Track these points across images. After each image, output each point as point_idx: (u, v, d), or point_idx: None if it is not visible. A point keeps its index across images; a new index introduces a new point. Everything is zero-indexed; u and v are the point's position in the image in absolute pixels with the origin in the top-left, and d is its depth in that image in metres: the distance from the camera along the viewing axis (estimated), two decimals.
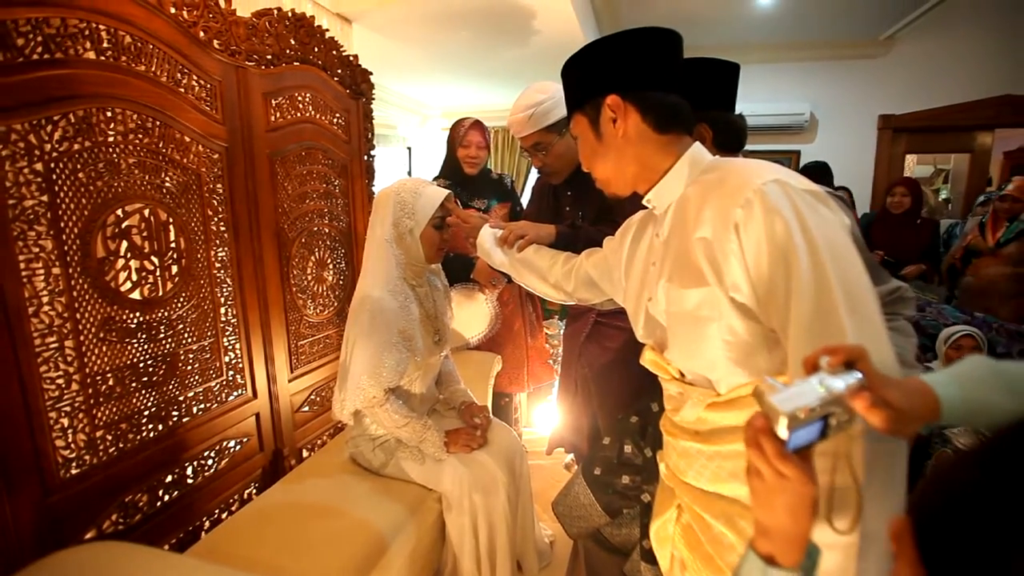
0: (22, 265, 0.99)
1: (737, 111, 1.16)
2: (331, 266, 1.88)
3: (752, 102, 4.21)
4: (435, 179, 2.21)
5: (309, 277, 1.78)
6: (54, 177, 1.03)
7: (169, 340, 1.30)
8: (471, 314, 2.20)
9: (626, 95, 0.80)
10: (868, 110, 4.32)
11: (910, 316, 0.99)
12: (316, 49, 1.76)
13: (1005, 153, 5.55)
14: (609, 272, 1.04)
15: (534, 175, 5.47)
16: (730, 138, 1.09)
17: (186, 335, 1.34)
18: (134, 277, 1.21)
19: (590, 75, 0.84)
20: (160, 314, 1.27)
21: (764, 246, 0.66)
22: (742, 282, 0.69)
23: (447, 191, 1.46)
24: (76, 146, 1.08)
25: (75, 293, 1.08)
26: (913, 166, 4.77)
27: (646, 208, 0.90)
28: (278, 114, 1.62)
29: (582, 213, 1.56)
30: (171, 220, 1.30)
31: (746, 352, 0.72)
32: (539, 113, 1.43)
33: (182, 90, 1.31)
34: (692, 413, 0.81)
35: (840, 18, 3.81)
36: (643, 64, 0.81)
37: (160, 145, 1.26)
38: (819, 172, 3.28)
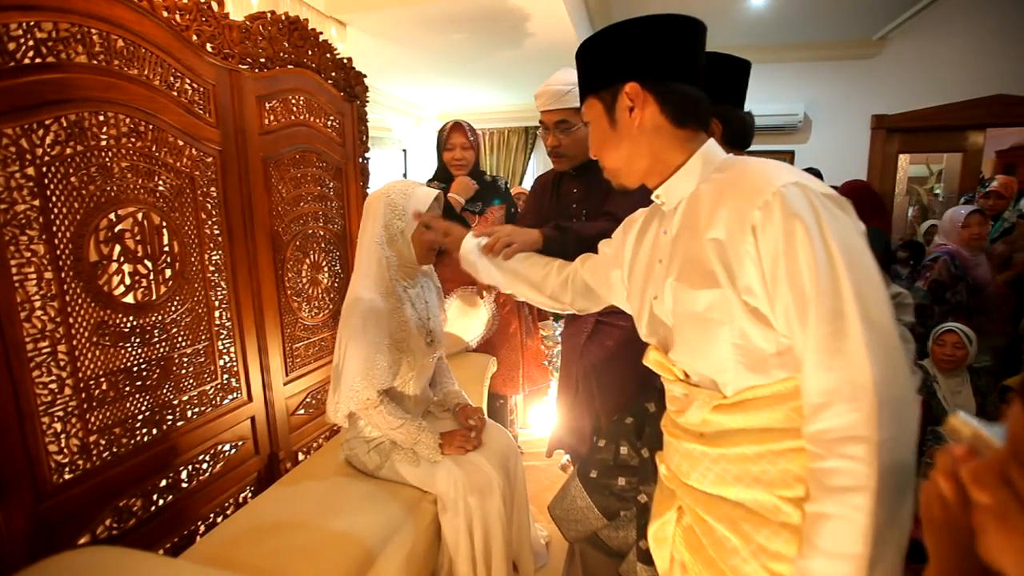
0: (14, 270, 0.98)
1: (748, 109, 1.16)
2: (326, 268, 1.88)
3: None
4: (428, 183, 2.21)
5: (304, 280, 1.77)
6: (46, 181, 1.03)
7: (163, 344, 1.30)
8: (470, 317, 2.21)
9: (646, 84, 0.78)
10: (861, 110, 4.34)
11: (908, 322, 1.00)
12: (310, 52, 1.76)
13: (997, 152, 5.59)
14: (607, 275, 1.02)
15: (529, 177, 5.48)
16: (739, 135, 1.09)
17: (180, 339, 1.34)
18: (127, 281, 1.21)
19: (610, 59, 0.81)
20: (154, 318, 1.27)
21: (782, 250, 0.65)
22: (756, 285, 0.67)
23: (437, 191, 1.47)
24: (68, 150, 1.07)
25: (68, 297, 1.08)
26: (906, 166, 4.79)
27: (643, 204, 0.89)
28: (272, 117, 1.62)
29: (586, 212, 1.52)
30: (164, 224, 1.29)
31: (756, 356, 0.71)
32: (577, 92, 1.40)
33: (175, 93, 1.31)
34: (697, 415, 0.79)
35: (833, 19, 3.84)
36: (666, 53, 0.78)
37: (153, 149, 1.26)
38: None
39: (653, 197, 0.85)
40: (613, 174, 0.87)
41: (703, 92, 0.80)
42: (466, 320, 2.19)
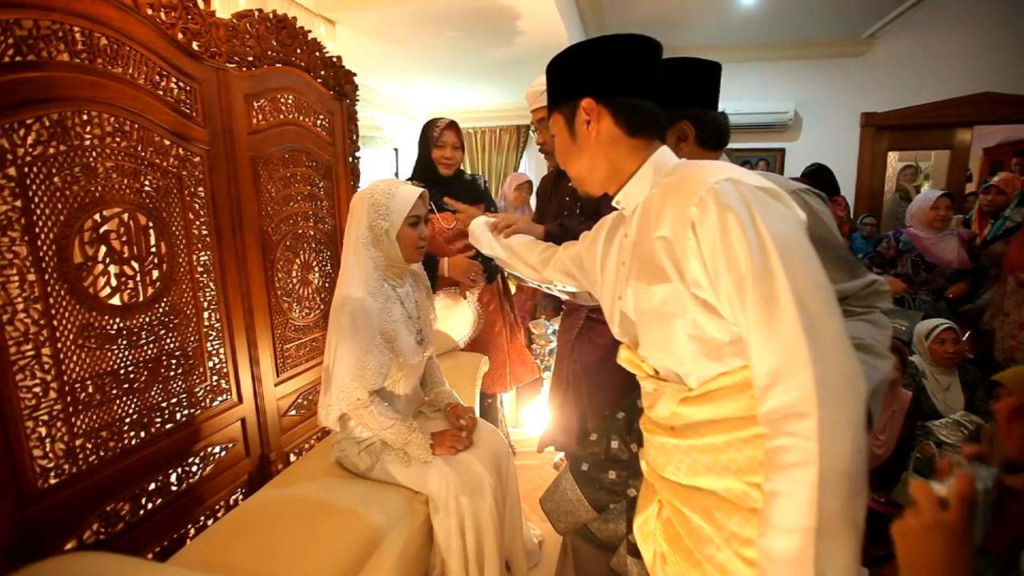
0: None
1: (721, 110, 1.16)
2: (316, 268, 1.87)
3: (737, 100, 4.25)
4: (408, 180, 2.20)
5: (294, 280, 1.76)
6: (28, 182, 1.02)
7: (151, 346, 1.28)
8: (456, 317, 2.20)
9: (600, 99, 0.84)
10: (851, 108, 4.38)
11: (885, 308, 1.02)
12: (298, 50, 1.75)
13: (984, 149, 5.66)
14: (582, 267, 1.09)
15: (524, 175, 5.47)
16: (712, 136, 1.10)
17: (168, 340, 1.33)
18: (113, 282, 1.19)
19: (568, 77, 0.88)
20: (141, 319, 1.25)
21: (719, 241, 0.69)
22: (702, 278, 0.72)
23: (421, 189, 1.46)
24: (51, 150, 1.06)
25: (51, 300, 1.06)
26: (895, 163, 4.84)
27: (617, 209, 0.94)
28: (260, 116, 1.60)
29: (580, 205, 1.60)
30: (151, 224, 1.28)
31: (711, 345, 0.74)
32: None
33: (161, 92, 1.30)
34: (666, 408, 0.83)
35: (822, 17, 3.86)
36: (618, 70, 0.84)
37: (139, 148, 1.24)
38: (821, 175, 3.21)
39: (614, 203, 0.91)
40: (578, 182, 0.94)
41: (655, 104, 0.86)
42: (452, 320, 2.19)
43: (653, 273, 0.78)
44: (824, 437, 0.61)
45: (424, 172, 2.15)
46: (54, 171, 1.06)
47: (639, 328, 0.84)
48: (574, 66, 0.87)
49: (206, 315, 1.44)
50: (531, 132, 5.17)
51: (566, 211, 1.67)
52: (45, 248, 1.05)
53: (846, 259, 1.01)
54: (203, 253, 1.43)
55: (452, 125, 2.11)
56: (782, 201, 0.73)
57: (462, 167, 2.26)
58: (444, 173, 2.13)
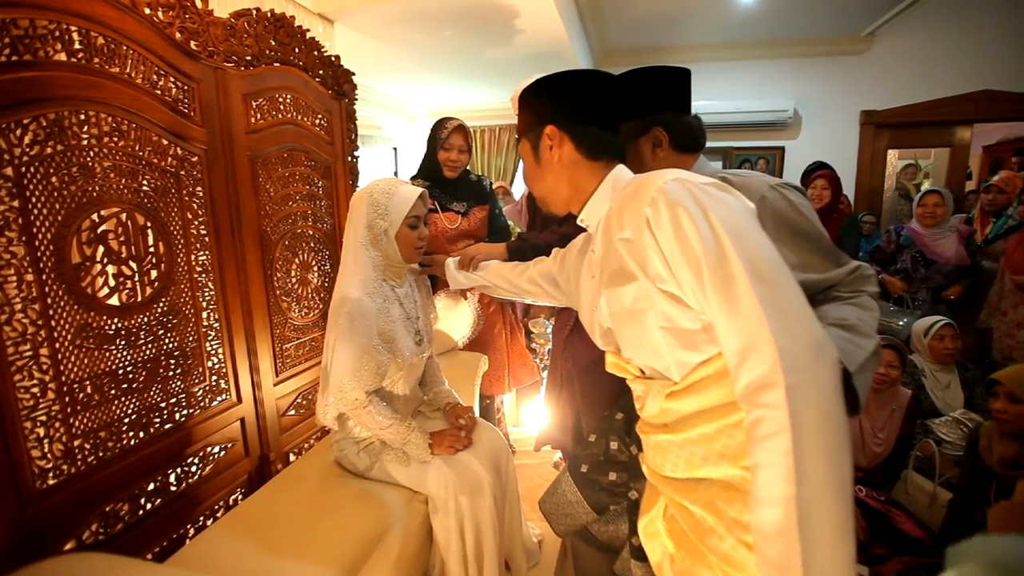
0: None
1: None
2: (315, 268, 1.87)
3: (736, 99, 4.24)
4: (413, 179, 2.20)
5: (293, 280, 1.76)
6: (25, 182, 1.01)
7: (149, 346, 1.28)
8: (456, 317, 2.20)
9: (562, 126, 0.92)
10: (850, 106, 4.38)
11: (872, 292, 1.03)
12: (297, 50, 1.74)
13: (984, 147, 5.65)
14: (555, 283, 1.18)
15: (521, 174, 5.46)
16: (686, 139, 1.13)
17: (167, 340, 1.32)
18: (111, 283, 1.19)
19: (534, 107, 0.97)
20: (139, 320, 1.25)
21: (672, 235, 0.73)
22: (663, 271, 0.76)
23: (421, 189, 1.45)
24: (48, 150, 1.05)
25: (49, 300, 1.06)
26: (895, 161, 4.83)
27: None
28: (259, 116, 1.60)
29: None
30: (149, 224, 1.28)
31: (684, 335, 0.77)
32: None
33: (158, 92, 1.29)
34: (655, 406, 0.85)
35: (822, 15, 3.86)
36: (578, 101, 0.92)
37: (136, 148, 1.24)
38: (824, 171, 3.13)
39: (578, 222, 0.97)
40: (542, 202, 1.01)
41: (612, 132, 0.94)
42: (452, 319, 2.19)
43: (621, 276, 0.83)
44: (793, 403, 0.63)
45: (430, 172, 2.15)
46: (51, 171, 1.06)
47: (616, 331, 0.88)
48: (539, 97, 0.95)
49: (205, 315, 1.43)
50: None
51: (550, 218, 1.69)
52: (43, 248, 1.05)
53: (829, 248, 1.03)
54: (202, 253, 1.42)
55: (460, 128, 2.10)
56: (730, 193, 0.77)
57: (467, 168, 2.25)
58: (449, 176, 2.12)
